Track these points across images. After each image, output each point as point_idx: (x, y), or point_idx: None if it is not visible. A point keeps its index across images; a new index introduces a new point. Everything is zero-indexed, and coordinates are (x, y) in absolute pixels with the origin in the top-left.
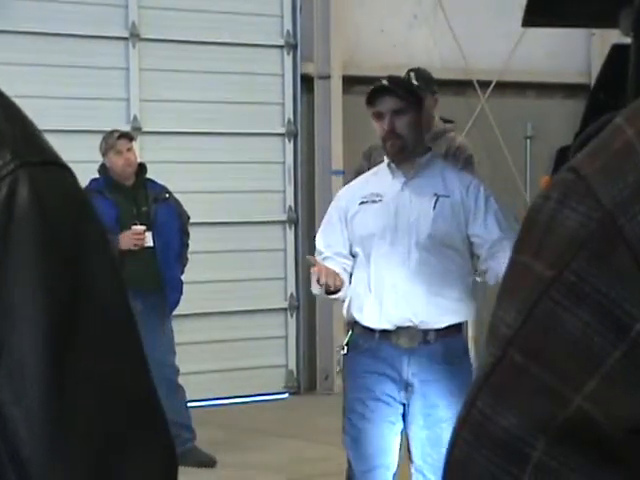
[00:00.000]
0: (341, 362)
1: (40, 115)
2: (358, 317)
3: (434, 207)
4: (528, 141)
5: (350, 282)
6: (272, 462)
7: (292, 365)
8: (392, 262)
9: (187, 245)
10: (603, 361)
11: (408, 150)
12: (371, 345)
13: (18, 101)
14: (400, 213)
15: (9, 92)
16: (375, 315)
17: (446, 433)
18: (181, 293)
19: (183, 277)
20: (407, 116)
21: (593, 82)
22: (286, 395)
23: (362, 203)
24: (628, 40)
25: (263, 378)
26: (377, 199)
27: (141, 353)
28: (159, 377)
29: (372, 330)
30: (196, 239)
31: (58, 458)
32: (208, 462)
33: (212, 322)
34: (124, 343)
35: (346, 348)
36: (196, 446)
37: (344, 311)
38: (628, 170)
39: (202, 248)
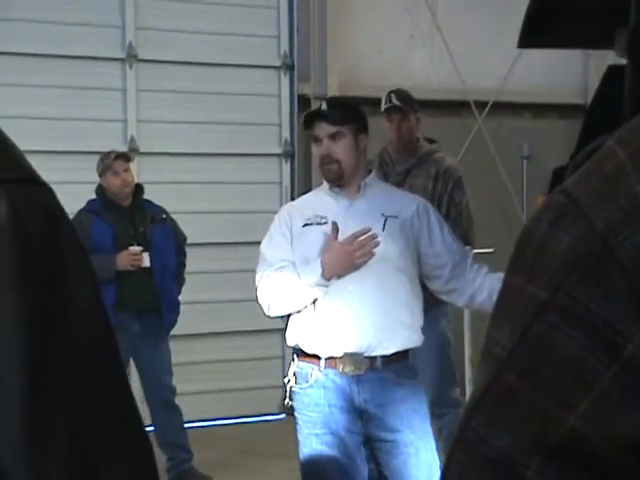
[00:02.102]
0: (289, 395)
1: (37, 136)
2: (303, 344)
3: (383, 228)
4: (525, 161)
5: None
6: None
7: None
8: (342, 287)
9: (184, 265)
10: (596, 381)
11: (346, 175)
12: (318, 375)
13: (16, 122)
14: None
15: (6, 113)
16: (323, 342)
17: (413, 459)
18: (178, 313)
19: (180, 297)
20: (343, 140)
21: (589, 103)
22: (283, 416)
23: (306, 225)
24: (624, 61)
25: (260, 399)
26: (322, 221)
27: (119, 365)
28: (156, 397)
29: (318, 358)
30: (193, 259)
31: (34, 472)
32: None
33: (209, 342)
34: (102, 357)
35: (293, 379)
36: (193, 467)
37: (287, 338)
38: (620, 192)
39: (199, 268)
